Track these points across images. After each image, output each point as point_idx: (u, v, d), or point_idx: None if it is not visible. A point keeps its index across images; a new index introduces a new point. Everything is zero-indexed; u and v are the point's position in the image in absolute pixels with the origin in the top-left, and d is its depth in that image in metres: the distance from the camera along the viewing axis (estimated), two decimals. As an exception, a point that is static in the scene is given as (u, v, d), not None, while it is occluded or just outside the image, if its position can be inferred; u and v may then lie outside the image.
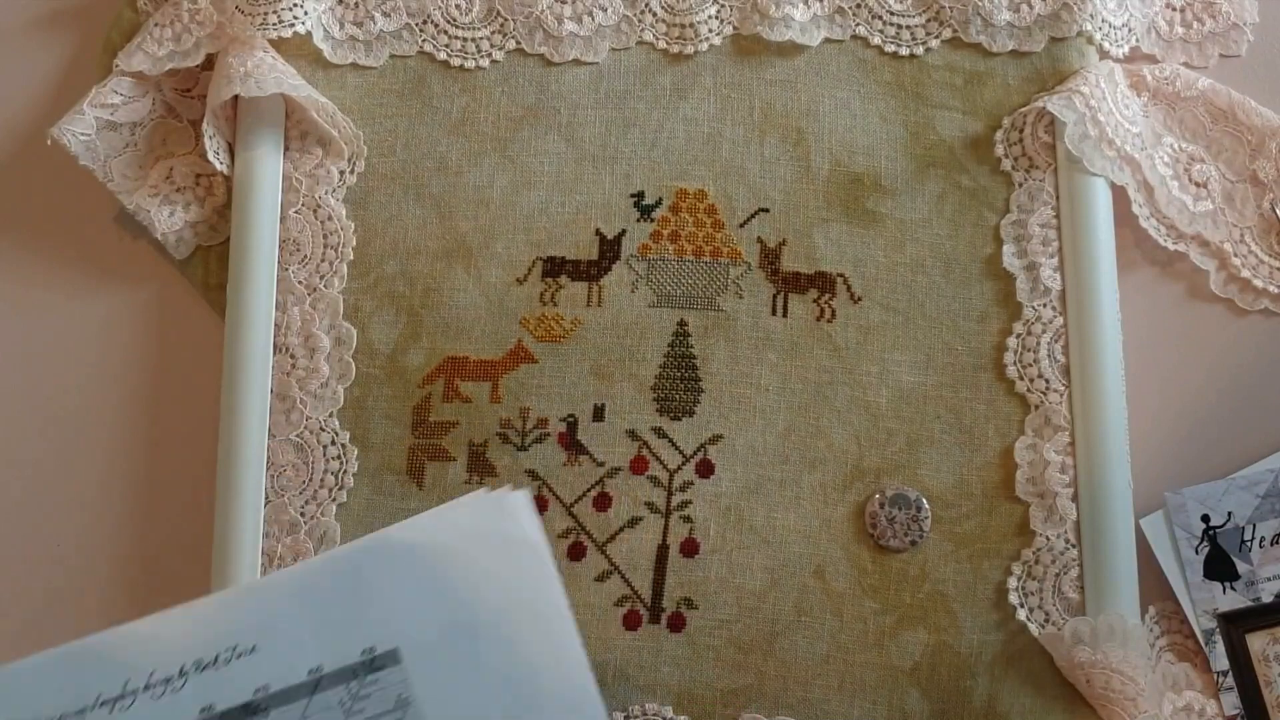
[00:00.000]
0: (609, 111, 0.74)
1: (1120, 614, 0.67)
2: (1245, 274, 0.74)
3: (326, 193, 0.73)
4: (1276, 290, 0.74)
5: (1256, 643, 0.69)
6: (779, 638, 0.69)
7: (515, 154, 0.74)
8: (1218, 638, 0.69)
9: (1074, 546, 0.69)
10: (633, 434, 0.71)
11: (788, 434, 0.71)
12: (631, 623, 0.70)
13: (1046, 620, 0.69)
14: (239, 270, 0.71)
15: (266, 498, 0.70)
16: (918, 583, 0.70)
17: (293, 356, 0.71)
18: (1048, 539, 0.69)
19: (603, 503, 0.71)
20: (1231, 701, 0.68)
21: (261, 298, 0.71)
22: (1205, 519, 0.70)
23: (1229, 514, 0.70)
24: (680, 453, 0.71)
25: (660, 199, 0.73)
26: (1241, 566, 0.69)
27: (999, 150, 0.73)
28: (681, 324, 0.72)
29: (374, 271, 0.73)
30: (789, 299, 0.72)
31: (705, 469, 0.71)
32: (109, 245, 0.76)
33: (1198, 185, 0.74)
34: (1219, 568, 0.69)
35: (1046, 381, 0.70)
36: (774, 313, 0.72)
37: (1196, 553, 0.69)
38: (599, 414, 0.71)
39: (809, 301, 0.72)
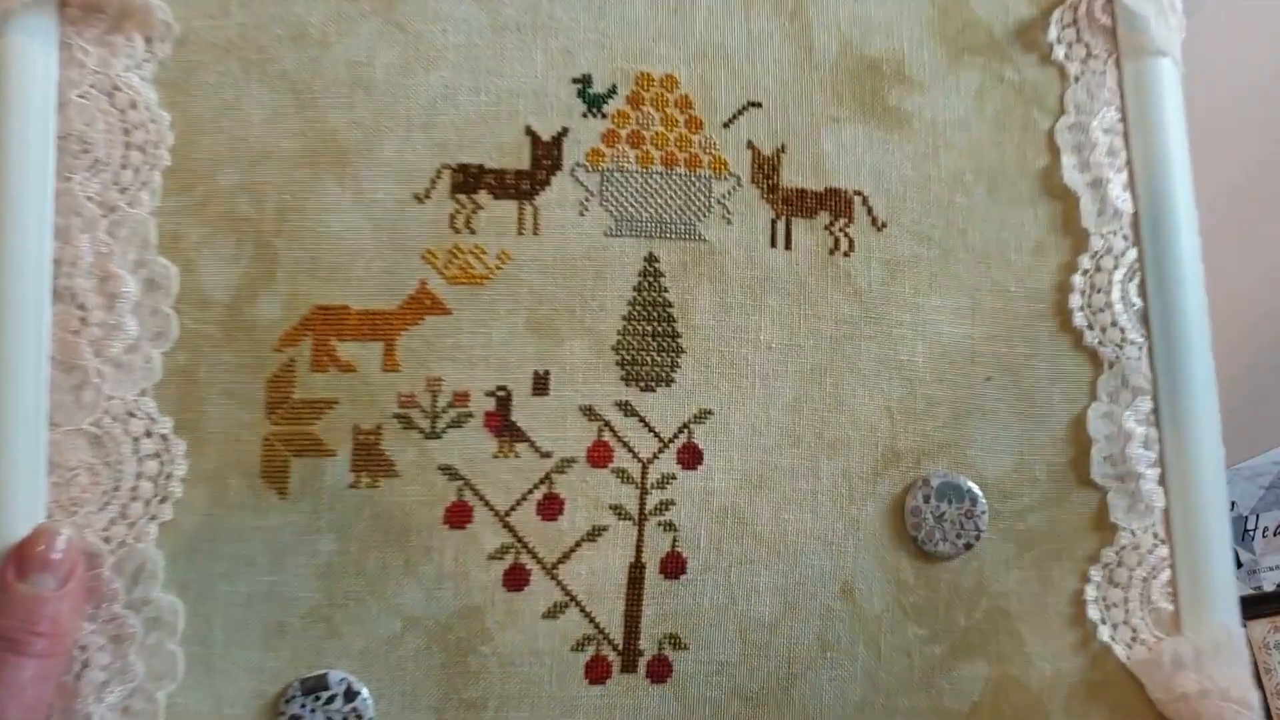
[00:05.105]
0: (539, -37, 0.60)
1: (1224, 625, 0.58)
2: None
3: (127, 69, 0.57)
4: None
5: (1257, 630, 0.71)
6: (797, 681, 0.59)
7: (406, 18, 0.59)
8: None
9: (1163, 543, 0.59)
10: (589, 411, 0.59)
11: (798, 407, 0.60)
12: (598, 673, 0.58)
13: (1134, 639, 0.59)
14: (-5, 181, 0.54)
15: (48, 515, 0.54)
16: (973, 598, 0.60)
17: (82, 307, 0.55)
18: (1132, 534, 0.59)
19: (551, 508, 0.58)
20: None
21: (29, 222, 0.55)
22: (1208, 509, 0.75)
23: (1233, 504, 0.72)
24: (656, 436, 0.59)
25: (614, 86, 0.60)
26: (1244, 556, 0.72)
27: (1051, 34, 0.61)
28: (650, 259, 0.59)
29: (203, 184, 0.57)
30: (792, 225, 0.60)
31: (690, 457, 0.59)
32: None
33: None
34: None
35: (1122, 331, 0.60)
36: (774, 244, 0.60)
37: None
38: (541, 385, 0.58)
39: (819, 229, 0.60)
